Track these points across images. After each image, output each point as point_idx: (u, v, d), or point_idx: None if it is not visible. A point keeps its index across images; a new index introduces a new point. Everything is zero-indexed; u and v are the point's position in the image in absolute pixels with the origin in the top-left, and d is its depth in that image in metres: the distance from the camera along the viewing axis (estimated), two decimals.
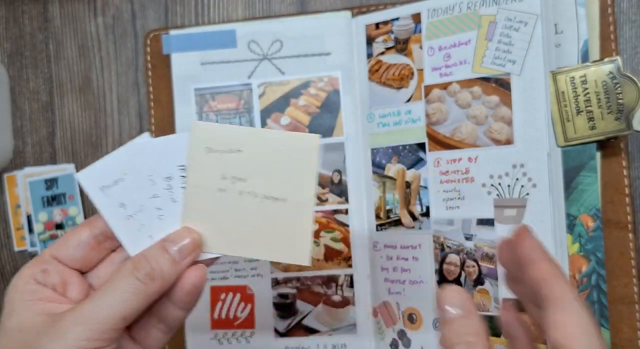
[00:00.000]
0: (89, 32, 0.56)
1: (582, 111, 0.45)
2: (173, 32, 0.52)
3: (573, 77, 0.45)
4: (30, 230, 0.55)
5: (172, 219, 0.36)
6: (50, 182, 0.55)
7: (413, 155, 0.49)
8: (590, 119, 0.45)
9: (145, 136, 0.36)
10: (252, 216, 0.35)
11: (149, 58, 0.53)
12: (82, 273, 0.37)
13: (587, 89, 0.45)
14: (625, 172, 0.47)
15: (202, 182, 0.35)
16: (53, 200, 0.54)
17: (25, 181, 0.55)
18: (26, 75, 0.56)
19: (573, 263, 0.46)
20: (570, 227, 0.46)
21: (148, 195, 0.36)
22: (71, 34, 0.56)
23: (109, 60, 0.55)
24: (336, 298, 0.51)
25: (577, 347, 0.29)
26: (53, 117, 0.56)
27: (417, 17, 0.48)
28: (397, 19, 0.49)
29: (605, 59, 0.45)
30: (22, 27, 0.56)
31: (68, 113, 0.56)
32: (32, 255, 0.55)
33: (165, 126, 0.52)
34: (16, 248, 0.55)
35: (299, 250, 0.35)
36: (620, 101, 0.44)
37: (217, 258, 0.36)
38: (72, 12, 0.56)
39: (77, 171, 0.55)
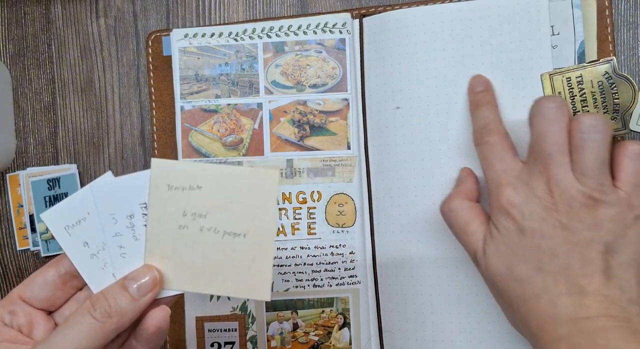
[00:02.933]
0: (91, 34, 0.56)
1: (578, 111, 0.46)
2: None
3: (569, 78, 0.46)
4: (33, 230, 0.55)
5: (134, 257, 0.36)
6: (53, 182, 0.55)
7: None
8: None
9: (108, 175, 0.36)
10: (213, 252, 0.36)
11: (150, 59, 0.54)
12: (50, 312, 0.37)
13: (583, 89, 0.46)
14: None
15: (163, 219, 0.36)
16: (55, 200, 0.55)
17: (28, 180, 0.55)
18: (29, 76, 0.57)
19: None
20: None
21: (111, 233, 0.36)
22: (73, 35, 0.56)
23: (111, 61, 0.56)
24: None
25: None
26: (55, 118, 0.56)
27: None
28: None
29: (601, 60, 0.45)
30: (25, 28, 0.57)
31: (70, 114, 0.56)
32: (35, 254, 0.56)
33: (166, 126, 0.53)
34: (19, 248, 0.56)
35: (260, 285, 0.36)
36: (616, 100, 0.45)
37: (178, 295, 0.37)
38: (74, 13, 0.56)
39: (80, 170, 0.56)
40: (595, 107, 0.45)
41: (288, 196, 0.51)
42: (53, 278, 0.37)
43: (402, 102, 0.49)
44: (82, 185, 0.55)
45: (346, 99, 0.51)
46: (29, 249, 0.56)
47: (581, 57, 0.46)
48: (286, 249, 0.51)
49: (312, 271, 0.51)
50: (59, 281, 0.37)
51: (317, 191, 0.51)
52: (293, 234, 0.51)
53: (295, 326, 0.51)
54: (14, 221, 0.56)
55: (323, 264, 0.50)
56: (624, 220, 0.36)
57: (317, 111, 0.51)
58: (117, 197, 0.36)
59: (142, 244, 0.36)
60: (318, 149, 0.51)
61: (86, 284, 0.37)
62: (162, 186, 0.36)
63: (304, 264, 0.50)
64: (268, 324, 0.51)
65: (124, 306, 0.34)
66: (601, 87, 0.45)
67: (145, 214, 0.36)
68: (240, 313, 0.51)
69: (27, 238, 0.55)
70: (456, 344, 0.47)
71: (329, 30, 0.51)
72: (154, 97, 0.53)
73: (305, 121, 0.51)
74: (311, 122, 0.51)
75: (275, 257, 0.51)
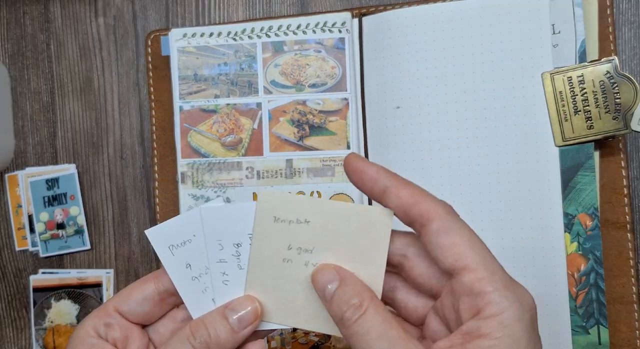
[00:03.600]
0: (90, 33, 0.56)
1: (579, 111, 0.45)
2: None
3: (570, 77, 0.45)
4: (32, 230, 0.55)
5: (236, 285, 0.35)
6: (52, 182, 0.55)
7: None
8: (588, 118, 0.45)
9: (219, 200, 0.36)
10: None
11: (149, 59, 0.54)
12: (143, 326, 0.37)
13: (584, 88, 0.45)
14: (623, 172, 0.47)
15: (267, 251, 0.35)
16: (54, 200, 0.55)
17: (27, 180, 0.55)
18: (27, 75, 0.56)
19: (572, 261, 0.46)
20: (569, 227, 0.46)
21: (215, 259, 0.35)
22: (72, 34, 0.56)
23: (110, 60, 0.56)
24: None
25: (474, 265, 0.29)
26: (54, 118, 0.56)
27: None
28: None
29: (603, 59, 0.45)
30: (24, 28, 0.57)
31: (69, 113, 0.56)
32: (34, 255, 0.55)
33: (166, 126, 0.53)
34: (17, 248, 0.56)
35: None
36: (617, 100, 0.45)
37: (276, 329, 0.36)
38: (73, 13, 0.56)
39: (79, 170, 0.56)
40: (597, 107, 0.45)
41: None
42: (152, 293, 0.36)
43: (402, 102, 0.49)
44: (81, 185, 0.55)
45: (346, 99, 0.50)
46: (27, 249, 0.55)
47: (582, 57, 0.46)
48: None
49: None
50: (157, 298, 0.36)
51: (317, 191, 0.50)
52: None
53: None
54: (12, 221, 0.56)
55: None
56: None
57: (316, 110, 0.51)
58: (225, 224, 0.35)
59: (245, 274, 0.35)
60: (317, 149, 0.50)
61: (183, 304, 0.36)
62: (268, 217, 0.35)
63: None
64: None
65: (223, 337, 0.33)
66: (602, 86, 0.45)
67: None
68: None
69: (26, 238, 0.55)
70: None
71: (329, 30, 0.50)
72: (153, 97, 0.53)
73: (305, 120, 0.51)
74: (310, 122, 0.51)
75: None
